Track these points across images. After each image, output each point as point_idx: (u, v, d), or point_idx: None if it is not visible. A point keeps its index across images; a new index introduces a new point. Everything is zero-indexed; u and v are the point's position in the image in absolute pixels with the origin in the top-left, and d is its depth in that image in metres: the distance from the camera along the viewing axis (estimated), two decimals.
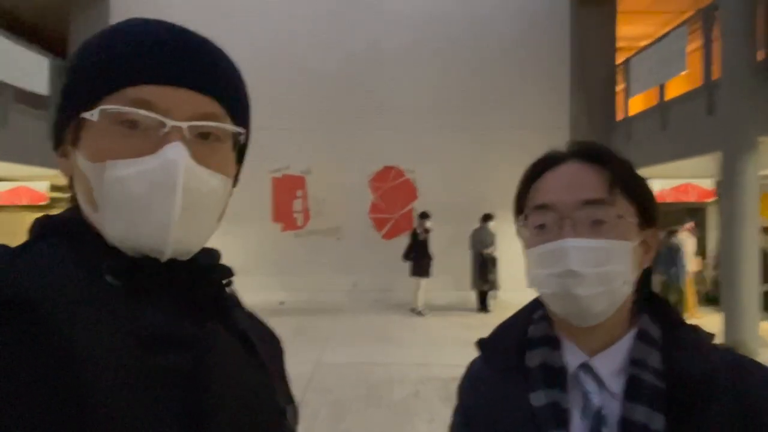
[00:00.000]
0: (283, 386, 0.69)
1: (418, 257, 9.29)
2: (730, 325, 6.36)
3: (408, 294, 10.06)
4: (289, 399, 0.69)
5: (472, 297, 9.73)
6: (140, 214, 0.56)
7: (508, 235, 9.17)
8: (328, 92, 10.71)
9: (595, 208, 0.76)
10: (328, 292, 10.55)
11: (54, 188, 10.43)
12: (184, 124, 0.57)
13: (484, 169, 10.61)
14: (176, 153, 0.56)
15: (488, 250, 9.38)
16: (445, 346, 6.96)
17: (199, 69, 0.60)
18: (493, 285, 9.47)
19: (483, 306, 9.52)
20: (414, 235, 9.46)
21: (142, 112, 0.56)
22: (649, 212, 0.80)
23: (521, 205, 0.83)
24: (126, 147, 0.57)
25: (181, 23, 0.64)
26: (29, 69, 8.07)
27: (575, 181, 0.78)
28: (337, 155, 10.77)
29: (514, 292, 8.96)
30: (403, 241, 10.41)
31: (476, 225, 9.67)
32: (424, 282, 9.32)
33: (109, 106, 0.56)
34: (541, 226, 0.79)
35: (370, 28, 10.83)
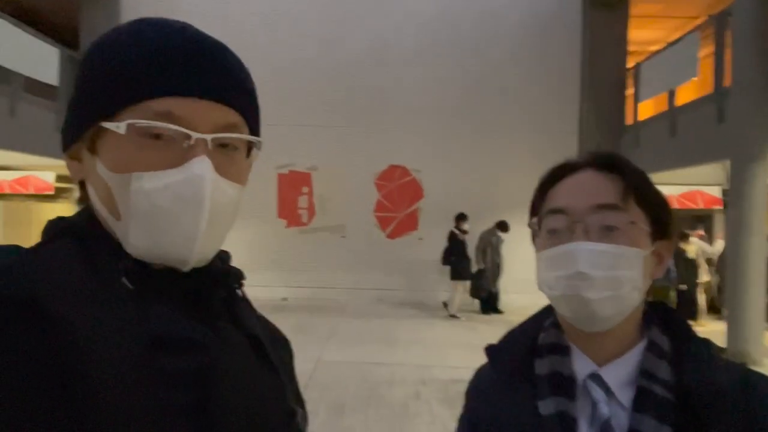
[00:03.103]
0: (292, 389, 0.69)
1: (458, 260, 9.05)
2: (734, 334, 6.32)
3: (409, 294, 10.06)
4: (299, 402, 0.69)
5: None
6: (167, 227, 0.56)
7: (513, 238, 9.17)
8: (336, 90, 10.70)
9: (608, 214, 0.76)
10: (330, 290, 10.56)
11: (60, 178, 10.47)
12: (209, 137, 0.57)
13: (491, 170, 10.58)
14: (203, 168, 0.56)
15: (498, 256, 9.32)
16: (447, 347, 6.94)
17: (221, 80, 0.60)
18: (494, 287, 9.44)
19: (489, 308, 9.45)
20: (452, 237, 9.22)
21: (171, 126, 0.56)
22: (664, 223, 0.80)
23: (536, 211, 0.84)
24: (151, 159, 0.57)
25: (186, 19, 0.63)
26: (39, 59, 8.10)
27: (589, 187, 0.78)
28: (343, 153, 10.77)
29: (517, 295, 8.96)
30: (406, 242, 10.40)
31: (483, 226, 9.56)
32: (461, 286, 9.06)
33: (137, 121, 0.56)
34: (554, 231, 0.79)
35: (378, 26, 10.81)
